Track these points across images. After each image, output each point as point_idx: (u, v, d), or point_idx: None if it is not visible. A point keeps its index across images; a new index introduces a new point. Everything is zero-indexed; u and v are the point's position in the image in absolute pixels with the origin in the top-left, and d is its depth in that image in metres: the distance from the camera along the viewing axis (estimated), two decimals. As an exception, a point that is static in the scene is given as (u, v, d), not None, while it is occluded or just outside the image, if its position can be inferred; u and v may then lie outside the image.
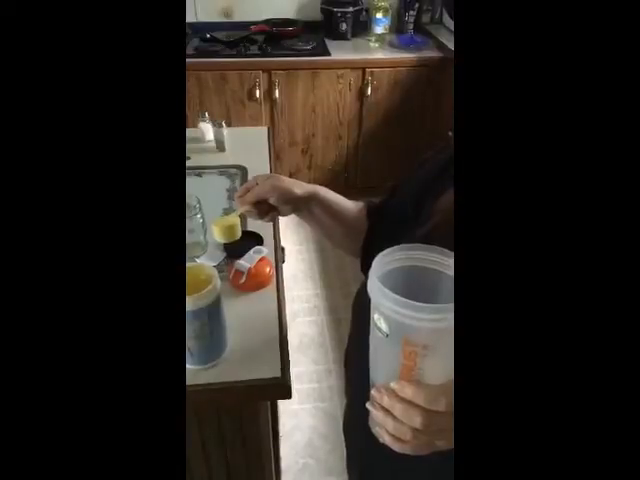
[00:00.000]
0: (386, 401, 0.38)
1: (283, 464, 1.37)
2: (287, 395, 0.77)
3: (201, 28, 2.30)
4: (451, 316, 0.32)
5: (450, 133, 0.66)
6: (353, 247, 0.74)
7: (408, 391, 0.37)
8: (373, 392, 0.40)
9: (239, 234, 0.73)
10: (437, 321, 0.32)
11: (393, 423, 0.39)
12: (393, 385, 0.38)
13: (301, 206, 0.72)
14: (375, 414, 0.40)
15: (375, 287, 0.36)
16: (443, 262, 0.38)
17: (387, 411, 0.39)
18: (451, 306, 0.32)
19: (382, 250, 0.60)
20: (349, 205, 0.75)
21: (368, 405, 0.42)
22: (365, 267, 0.73)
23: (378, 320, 0.36)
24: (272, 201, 0.70)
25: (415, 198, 0.61)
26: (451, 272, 0.37)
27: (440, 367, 0.35)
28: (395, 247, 0.39)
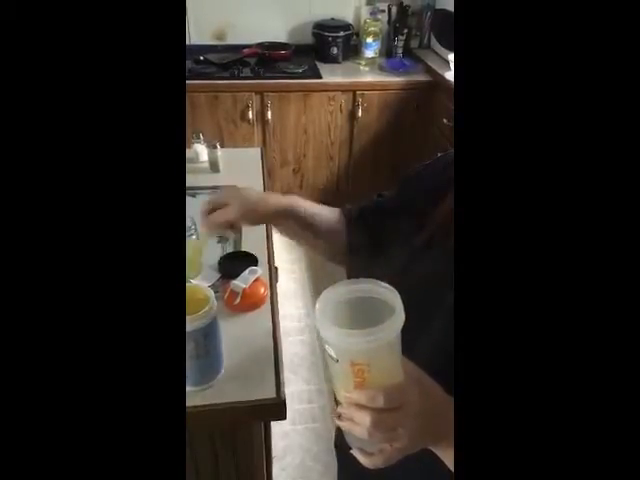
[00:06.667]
0: (345, 410, 0.44)
1: (275, 486, 1.36)
2: (282, 416, 0.78)
3: (194, 50, 2.33)
4: (382, 335, 0.40)
5: (439, 154, 0.69)
6: (333, 253, 0.76)
7: (354, 396, 0.43)
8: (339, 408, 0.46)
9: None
10: (371, 342, 0.40)
11: (355, 427, 0.43)
12: (345, 394, 0.44)
13: (272, 222, 0.75)
14: (341, 425, 0.45)
15: (320, 321, 0.43)
16: (382, 292, 0.45)
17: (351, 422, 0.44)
18: (380, 327, 0.40)
19: (372, 261, 0.62)
20: (325, 212, 0.76)
21: (336, 422, 0.46)
22: (352, 275, 0.74)
23: (329, 349, 0.43)
24: (239, 223, 0.72)
25: (412, 207, 0.63)
26: (385, 299, 0.44)
27: (384, 377, 0.43)
28: (339, 283, 0.45)
